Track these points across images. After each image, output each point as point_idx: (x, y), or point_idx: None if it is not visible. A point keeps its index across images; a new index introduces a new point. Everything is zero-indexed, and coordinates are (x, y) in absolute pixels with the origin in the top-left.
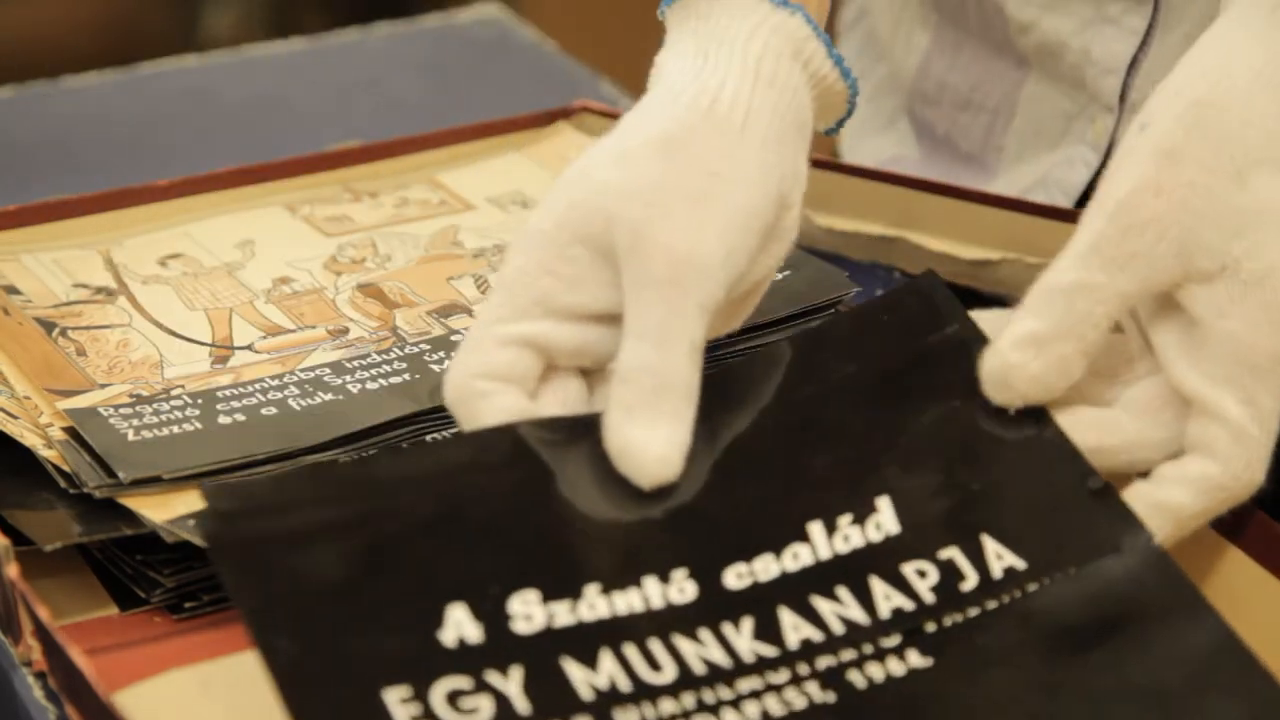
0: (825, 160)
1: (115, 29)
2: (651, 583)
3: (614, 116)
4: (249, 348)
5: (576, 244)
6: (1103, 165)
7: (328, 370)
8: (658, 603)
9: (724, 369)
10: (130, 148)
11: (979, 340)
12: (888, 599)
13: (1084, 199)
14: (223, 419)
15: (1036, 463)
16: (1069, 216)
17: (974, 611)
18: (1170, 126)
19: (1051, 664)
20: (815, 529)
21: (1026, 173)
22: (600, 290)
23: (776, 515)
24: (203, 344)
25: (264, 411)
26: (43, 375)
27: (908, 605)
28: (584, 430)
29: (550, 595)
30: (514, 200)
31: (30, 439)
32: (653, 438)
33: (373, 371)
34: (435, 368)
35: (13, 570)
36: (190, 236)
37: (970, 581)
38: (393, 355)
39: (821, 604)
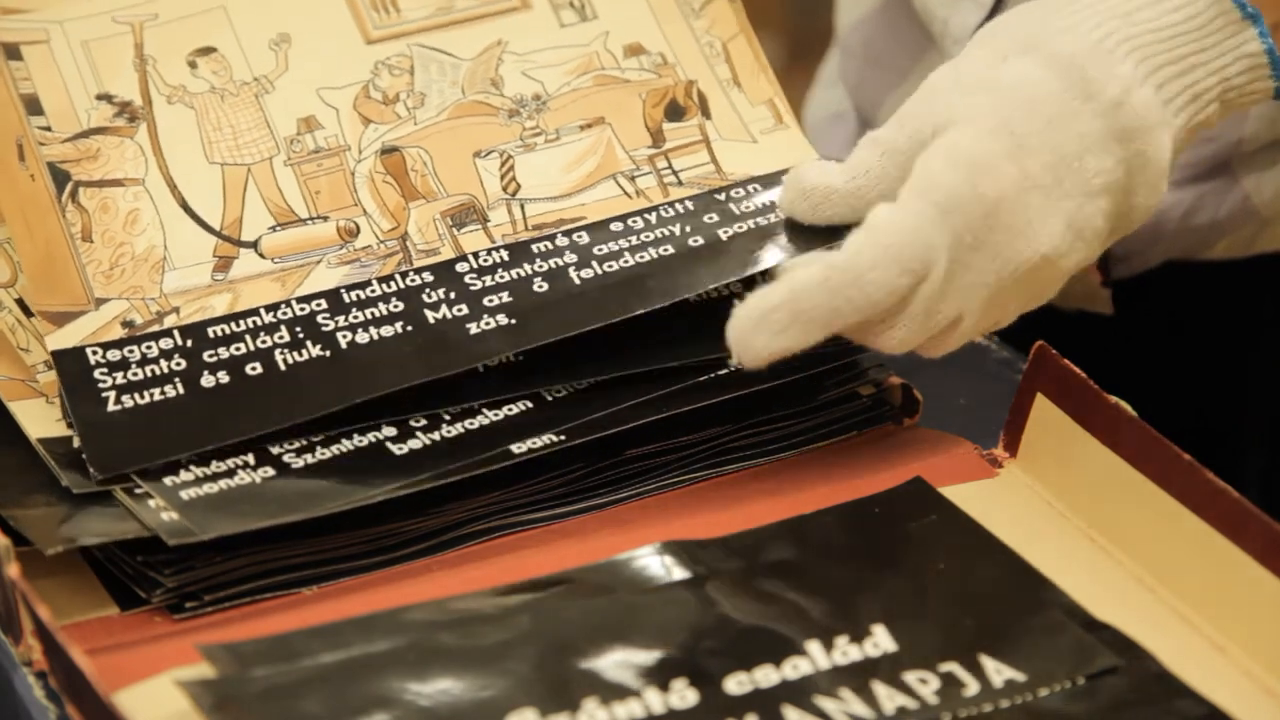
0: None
1: None
2: (652, 693)
3: None
4: (255, 246)
5: None
6: None
7: (323, 305)
8: (659, 709)
9: (728, 538)
10: None
11: (959, 523)
12: (891, 699)
13: None
14: (206, 379)
15: (1027, 604)
16: None
17: (978, 710)
18: (992, 20)
19: None
20: (813, 646)
21: None
22: None
23: (774, 634)
24: (210, 231)
25: (249, 369)
26: (41, 283)
27: (911, 704)
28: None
29: (548, 711)
30: (571, 4)
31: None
32: None
33: (368, 314)
34: (430, 315)
35: (13, 570)
36: (226, 15)
37: (972, 689)
38: (391, 289)
39: (826, 703)
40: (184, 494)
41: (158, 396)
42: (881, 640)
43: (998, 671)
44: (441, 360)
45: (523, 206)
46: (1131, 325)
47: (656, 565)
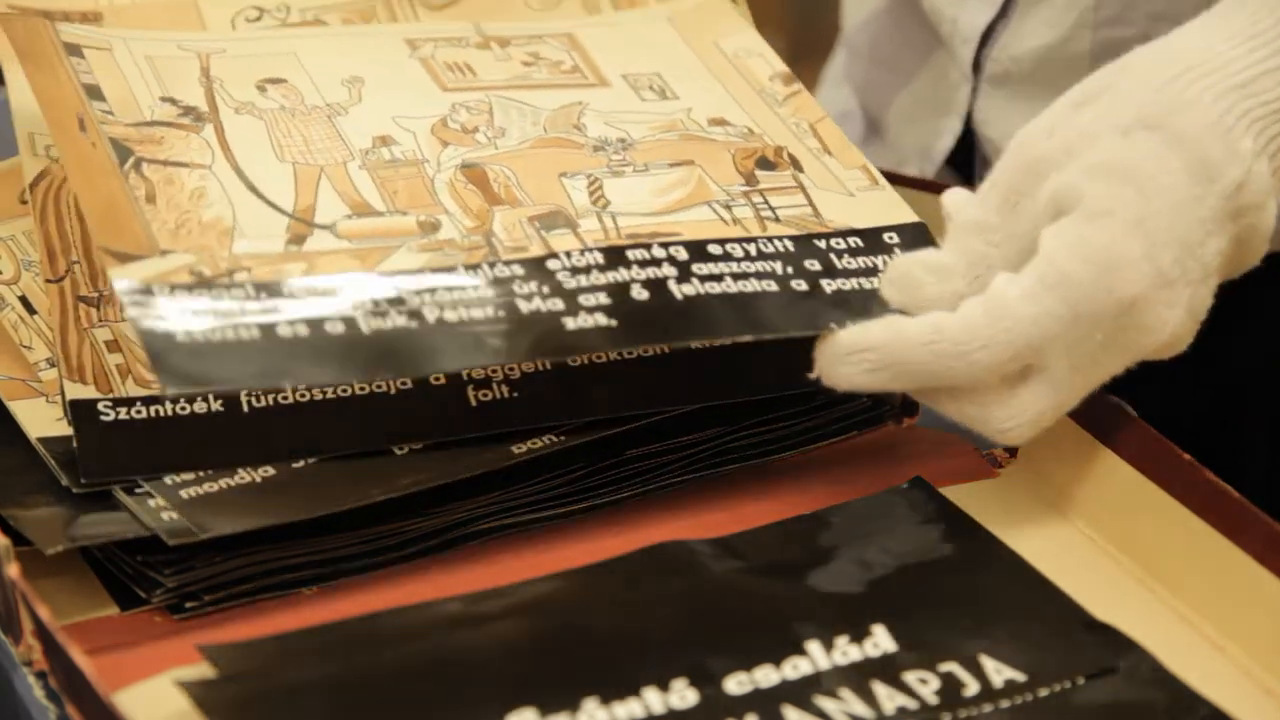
0: None
1: None
2: (651, 692)
3: None
4: (330, 228)
5: None
6: (966, 133)
7: (408, 281)
8: (659, 709)
9: (728, 538)
10: None
11: (960, 523)
12: (891, 699)
13: (952, 164)
14: (283, 330)
15: (1027, 604)
16: None
17: (978, 710)
18: (1086, 82)
19: None
20: (813, 645)
21: (915, 136)
22: None
23: (774, 634)
24: (282, 212)
25: (329, 328)
26: (104, 226)
27: (911, 704)
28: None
29: (548, 710)
30: (651, 85)
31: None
32: None
33: (455, 295)
34: (522, 305)
35: (13, 570)
36: (298, 59)
37: (972, 689)
38: (480, 278)
39: (826, 702)
40: (184, 493)
41: (230, 337)
42: (881, 640)
43: (998, 671)
44: (540, 349)
45: (614, 218)
46: None
47: (656, 565)
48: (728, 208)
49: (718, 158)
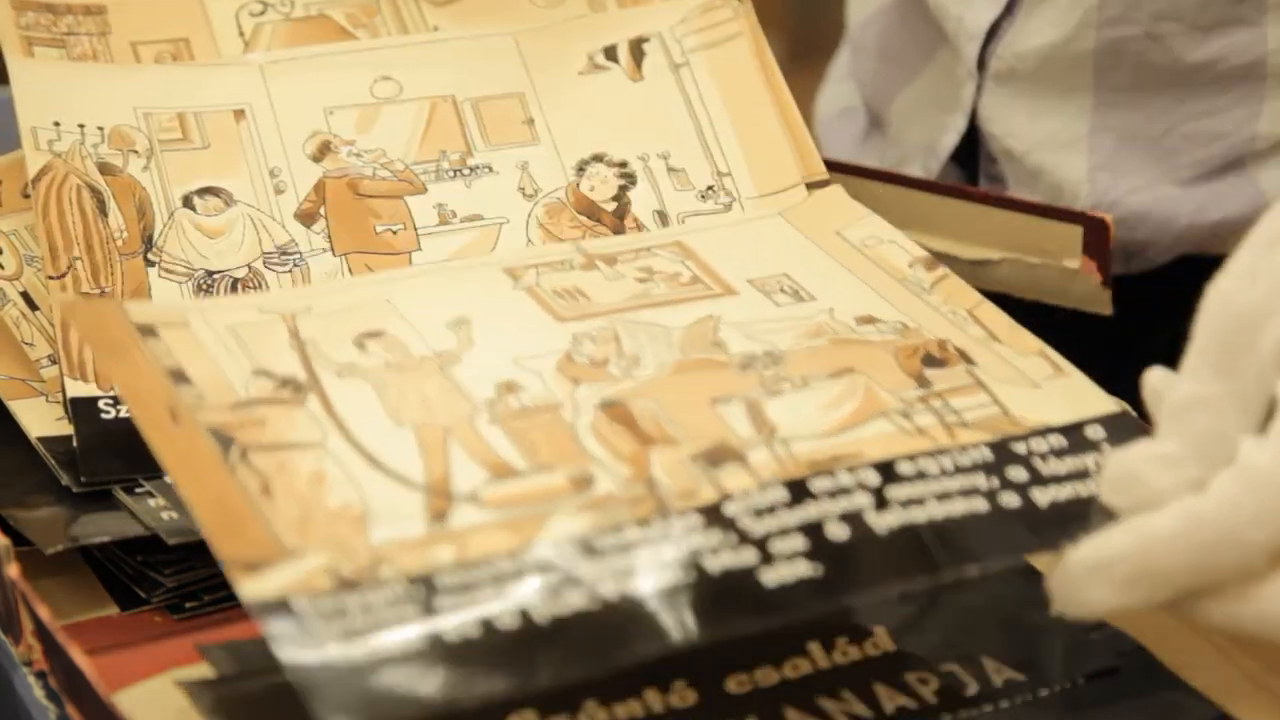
0: (827, 161)
1: None
2: (651, 693)
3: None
4: (472, 498)
5: None
6: (970, 130)
7: (576, 554)
8: (659, 709)
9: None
10: None
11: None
12: (891, 699)
13: (956, 160)
14: (450, 636)
15: (1027, 603)
16: (1068, 216)
17: (978, 711)
18: (1275, 217)
19: None
20: (813, 646)
21: (919, 132)
22: None
23: (774, 635)
24: (414, 486)
25: (501, 625)
26: (223, 533)
27: (911, 704)
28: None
29: (548, 711)
30: (781, 288)
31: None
32: None
33: (632, 559)
34: (709, 563)
35: (13, 570)
36: (392, 305)
37: (972, 689)
38: (654, 534)
39: (827, 703)
40: None
41: (393, 651)
42: (881, 640)
43: (997, 671)
44: (741, 614)
45: (786, 444)
46: (1134, 324)
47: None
48: (907, 417)
49: (879, 360)
